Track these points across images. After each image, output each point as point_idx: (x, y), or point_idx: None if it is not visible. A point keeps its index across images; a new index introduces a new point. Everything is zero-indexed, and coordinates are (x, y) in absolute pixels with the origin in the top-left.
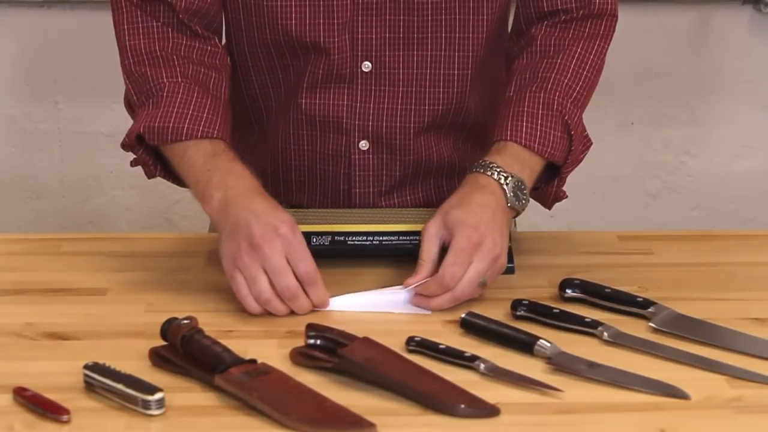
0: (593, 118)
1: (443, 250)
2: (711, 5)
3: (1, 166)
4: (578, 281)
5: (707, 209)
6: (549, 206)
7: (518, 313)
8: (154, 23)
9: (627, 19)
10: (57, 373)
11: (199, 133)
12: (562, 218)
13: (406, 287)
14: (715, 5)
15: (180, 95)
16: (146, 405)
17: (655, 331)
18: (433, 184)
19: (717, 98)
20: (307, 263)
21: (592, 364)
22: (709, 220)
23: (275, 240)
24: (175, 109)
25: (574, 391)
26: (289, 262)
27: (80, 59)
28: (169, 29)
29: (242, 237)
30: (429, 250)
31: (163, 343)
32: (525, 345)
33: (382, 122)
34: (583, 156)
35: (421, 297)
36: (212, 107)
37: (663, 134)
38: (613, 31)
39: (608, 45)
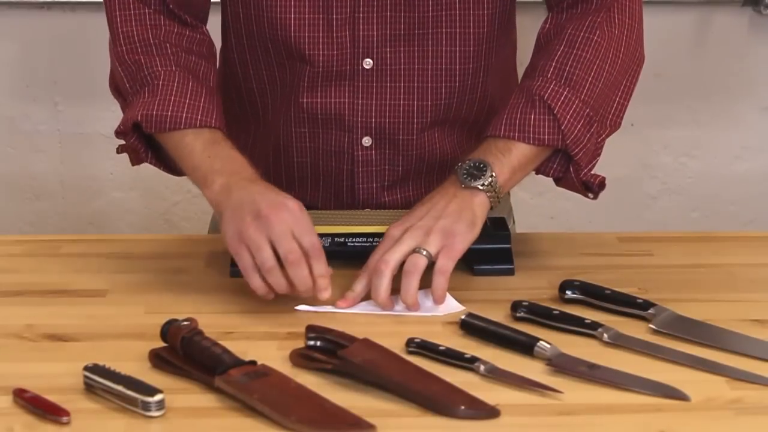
0: None
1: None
2: (711, 7)
3: (1, 167)
4: (578, 283)
5: (707, 210)
6: (584, 193)
7: (518, 315)
8: (146, 10)
9: None
10: (57, 374)
11: (198, 122)
12: (562, 219)
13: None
14: (715, 7)
15: (176, 84)
16: (146, 406)
17: (655, 332)
18: (437, 179)
19: (717, 100)
20: (312, 237)
21: (592, 366)
22: (709, 222)
23: (282, 211)
24: (172, 98)
25: (574, 392)
26: (294, 237)
27: (80, 61)
28: (161, 16)
29: (247, 212)
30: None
31: (163, 344)
32: (525, 346)
33: (384, 118)
34: (594, 137)
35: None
36: (207, 96)
37: (663, 135)
38: (604, 10)
39: (599, 19)
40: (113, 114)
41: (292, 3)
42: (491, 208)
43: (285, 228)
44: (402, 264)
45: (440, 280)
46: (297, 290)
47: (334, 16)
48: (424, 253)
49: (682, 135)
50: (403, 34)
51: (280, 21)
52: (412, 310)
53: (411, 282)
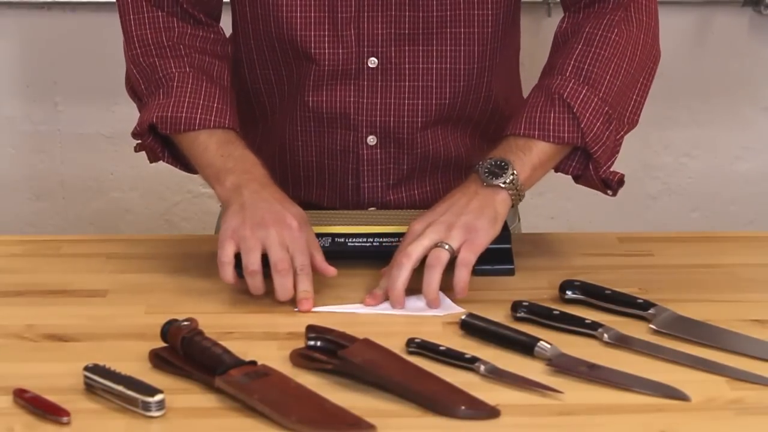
0: None
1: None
2: (711, 7)
3: (2, 167)
4: (578, 283)
5: (707, 211)
6: (603, 190)
7: (518, 315)
8: (159, 13)
9: None
10: (57, 374)
11: (212, 123)
12: (563, 220)
13: (370, 303)
14: (715, 7)
15: (190, 85)
16: (146, 407)
17: (656, 332)
18: (441, 178)
19: (717, 100)
20: (305, 258)
21: (592, 366)
22: (710, 222)
23: (283, 228)
24: (187, 99)
25: (575, 392)
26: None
27: (80, 61)
28: (174, 18)
29: (249, 217)
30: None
31: (164, 344)
32: (525, 346)
33: (389, 117)
34: (613, 134)
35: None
36: (221, 97)
37: (663, 136)
38: (621, 8)
39: (617, 17)
40: (113, 114)
41: (298, 2)
42: (513, 205)
43: (281, 241)
44: (424, 259)
45: (462, 272)
46: (276, 296)
47: (339, 15)
48: (447, 247)
49: (682, 135)
50: (407, 34)
51: (286, 20)
52: (432, 305)
53: (433, 275)
